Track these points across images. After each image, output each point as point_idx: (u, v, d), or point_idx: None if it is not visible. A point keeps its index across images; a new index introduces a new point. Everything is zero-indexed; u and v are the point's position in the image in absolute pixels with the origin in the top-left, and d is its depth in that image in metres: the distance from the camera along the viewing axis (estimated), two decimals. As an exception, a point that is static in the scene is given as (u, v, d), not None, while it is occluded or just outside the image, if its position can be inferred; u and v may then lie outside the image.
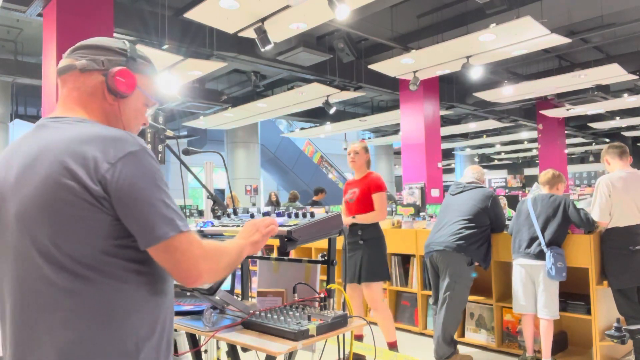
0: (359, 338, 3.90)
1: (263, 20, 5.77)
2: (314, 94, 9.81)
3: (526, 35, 6.60)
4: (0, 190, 1.14)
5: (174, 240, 1.08)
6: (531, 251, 3.66)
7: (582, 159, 25.78)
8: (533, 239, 3.69)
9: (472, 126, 15.41)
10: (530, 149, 22.57)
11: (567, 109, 12.30)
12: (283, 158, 19.20)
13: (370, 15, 7.24)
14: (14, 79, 9.10)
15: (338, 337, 1.81)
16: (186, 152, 2.14)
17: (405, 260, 4.93)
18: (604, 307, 3.73)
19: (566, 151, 15.49)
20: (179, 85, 8.06)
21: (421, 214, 6.04)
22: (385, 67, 8.11)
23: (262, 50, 5.98)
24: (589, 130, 17.40)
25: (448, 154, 22.99)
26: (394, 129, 16.43)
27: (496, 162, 27.69)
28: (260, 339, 1.62)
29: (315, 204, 9.25)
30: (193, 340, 2.10)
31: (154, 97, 1.31)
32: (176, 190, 3.69)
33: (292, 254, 4.54)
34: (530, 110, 14.40)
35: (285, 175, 19.79)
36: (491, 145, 21.66)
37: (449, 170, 25.41)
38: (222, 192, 13.75)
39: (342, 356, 1.88)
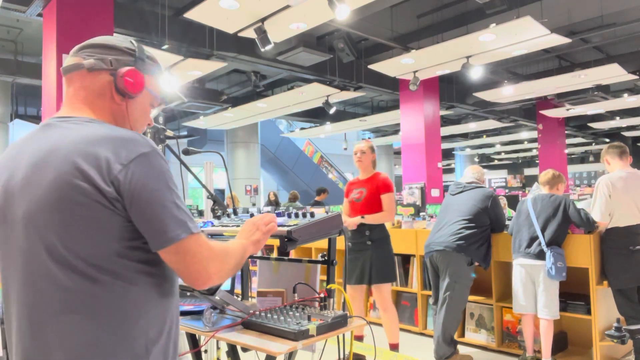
0: (360, 339, 3.90)
1: (263, 20, 5.77)
2: (314, 94, 9.81)
3: (526, 35, 6.60)
4: (6, 190, 1.12)
5: (185, 242, 1.07)
6: (531, 251, 3.66)
7: (582, 159, 25.78)
8: (533, 239, 3.69)
9: (472, 126, 15.41)
10: (530, 149, 22.58)
11: (567, 109, 12.30)
12: (283, 158, 19.21)
13: (370, 15, 7.24)
14: (14, 79, 9.09)
15: (338, 337, 1.81)
16: (186, 152, 2.14)
17: (405, 260, 4.93)
18: (604, 307, 3.73)
19: (566, 151, 15.49)
20: (179, 85, 8.06)
21: (421, 214, 6.05)
22: (385, 67, 8.11)
23: (262, 50, 5.98)
24: (589, 130, 17.40)
25: (448, 154, 22.99)
26: (394, 129, 16.43)
27: (496, 162, 27.69)
28: (260, 339, 1.62)
29: (317, 204, 9.25)
30: (193, 340, 2.10)
31: (161, 97, 1.31)
32: (176, 190, 3.67)
33: (292, 254, 4.53)
34: (530, 110, 14.40)
35: (285, 175, 19.79)
36: (491, 145, 21.66)
37: (449, 170, 25.41)
38: (222, 192, 13.75)
39: (342, 356, 1.88)
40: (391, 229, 5.03)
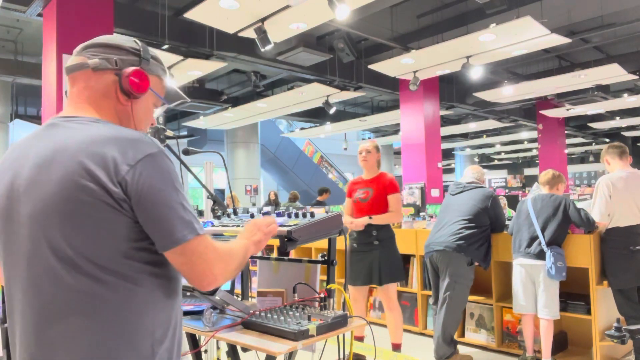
0: (360, 339, 3.90)
1: (263, 20, 5.77)
2: (314, 94, 9.81)
3: (526, 35, 6.60)
4: (11, 189, 1.11)
5: (191, 243, 1.07)
6: (531, 251, 3.66)
7: (582, 159, 25.78)
8: (533, 239, 3.69)
9: (472, 126, 15.41)
10: (530, 149, 22.58)
11: (567, 109, 12.31)
12: (283, 158, 19.20)
13: (370, 15, 7.24)
14: (14, 79, 9.09)
15: (338, 337, 1.81)
16: (186, 152, 2.14)
17: (405, 260, 4.92)
18: (604, 307, 3.73)
19: (566, 151, 15.49)
20: (179, 85, 8.06)
21: (421, 214, 6.04)
22: (385, 67, 8.11)
23: (262, 50, 5.98)
24: (589, 130, 17.41)
25: (448, 154, 22.99)
26: (394, 129, 16.44)
27: (496, 162, 27.69)
28: (260, 339, 1.62)
29: (319, 203, 9.25)
30: (193, 341, 2.10)
31: (165, 97, 1.31)
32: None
33: (292, 254, 4.53)
34: (530, 110, 14.41)
35: (285, 175, 19.79)
36: (491, 145, 21.66)
37: (449, 170, 25.40)
38: (222, 192, 13.75)
39: (342, 356, 1.89)
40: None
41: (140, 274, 1.07)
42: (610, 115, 14.53)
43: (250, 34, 6.01)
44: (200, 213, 8.90)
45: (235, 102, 11.64)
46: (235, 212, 2.08)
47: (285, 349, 1.52)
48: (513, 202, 6.55)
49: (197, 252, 1.08)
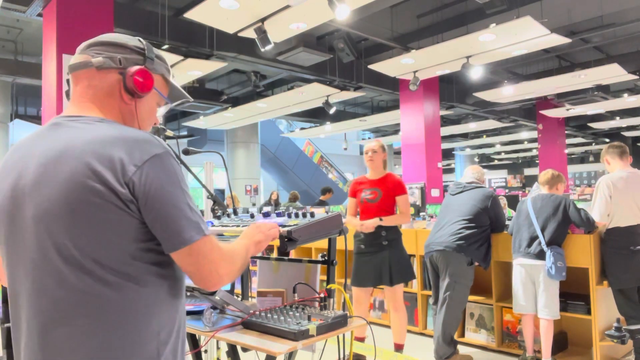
0: (361, 340, 3.89)
1: (263, 20, 5.77)
2: (314, 94, 9.81)
3: (526, 35, 6.60)
4: (15, 190, 1.09)
5: (198, 244, 1.07)
6: (531, 251, 3.66)
7: (582, 159, 25.78)
8: (533, 239, 3.69)
9: (472, 126, 15.41)
10: (530, 149, 22.58)
11: (567, 109, 12.31)
12: (283, 158, 19.21)
13: (370, 15, 7.24)
14: (14, 79, 9.09)
15: (338, 337, 1.81)
16: (186, 152, 2.14)
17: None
18: (604, 307, 3.72)
19: (566, 151, 15.49)
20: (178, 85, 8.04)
21: (421, 214, 6.05)
22: (385, 67, 8.11)
23: (262, 50, 5.98)
24: (589, 130, 17.40)
25: (448, 154, 22.99)
26: (394, 129, 16.43)
27: (496, 162, 27.69)
28: (260, 339, 1.61)
29: (322, 203, 9.25)
30: (193, 341, 2.10)
31: (168, 96, 1.30)
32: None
33: (292, 254, 4.53)
34: (530, 110, 14.41)
35: (285, 175, 19.79)
36: (491, 145, 21.66)
37: (449, 170, 25.40)
38: (222, 192, 13.74)
39: (342, 356, 1.89)
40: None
41: (147, 275, 1.07)
42: (610, 115, 14.53)
43: (250, 34, 6.01)
44: (201, 213, 8.90)
45: (235, 102, 11.64)
46: (235, 212, 2.08)
47: (285, 349, 1.52)
48: (513, 202, 6.56)
49: (204, 253, 1.08)
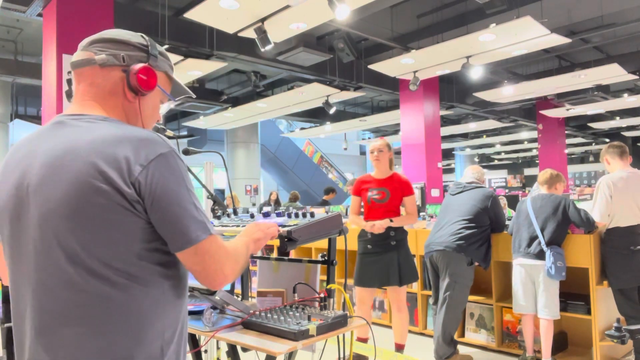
0: (364, 341, 3.89)
1: (263, 20, 5.77)
2: (314, 94, 9.81)
3: (526, 35, 6.60)
4: (20, 188, 1.08)
5: (204, 243, 1.07)
6: (531, 251, 3.66)
7: (582, 159, 25.78)
8: (533, 239, 3.69)
9: (472, 126, 15.41)
10: (530, 149, 22.57)
11: (567, 109, 12.31)
12: (283, 158, 19.21)
13: (370, 15, 7.24)
14: (14, 79, 9.09)
15: (338, 337, 1.81)
16: (186, 152, 2.14)
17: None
18: (604, 307, 3.72)
19: (566, 151, 15.49)
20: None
21: (421, 214, 6.04)
22: (385, 67, 8.11)
23: (262, 50, 5.98)
24: (589, 130, 17.41)
25: (448, 154, 22.98)
26: (394, 129, 16.43)
27: (496, 162, 27.69)
28: (260, 339, 1.62)
29: (325, 203, 9.26)
30: (193, 340, 2.10)
31: (171, 93, 1.29)
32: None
33: (292, 254, 4.53)
34: (530, 110, 14.41)
35: (285, 175, 19.80)
36: (491, 145, 21.66)
37: (449, 170, 25.40)
38: (222, 192, 13.76)
39: (342, 356, 1.88)
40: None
41: (152, 276, 1.07)
42: (610, 115, 14.53)
43: (250, 34, 6.01)
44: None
45: (235, 102, 11.64)
46: (235, 212, 2.08)
47: (285, 349, 1.52)
48: (513, 202, 6.56)
49: (210, 252, 1.08)
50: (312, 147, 21.21)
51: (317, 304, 1.90)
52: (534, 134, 16.31)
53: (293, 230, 1.66)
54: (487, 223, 3.90)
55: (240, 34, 6.19)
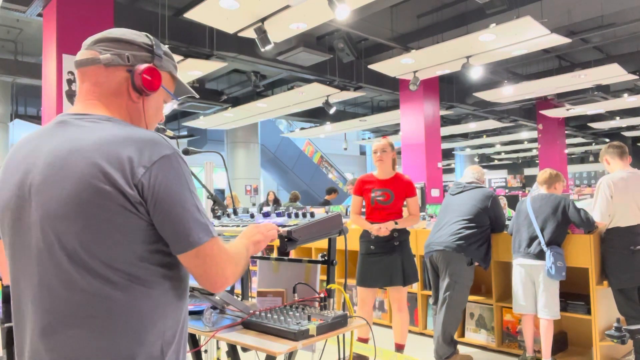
0: (365, 341, 3.89)
1: (263, 20, 5.77)
2: (314, 94, 9.81)
3: (526, 35, 6.60)
4: (22, 188, 1.07)
5: (206, 246, 1.07)
6: (531, 251, 3.66)
7: (582, 159, 25.77)
8: (532, 239, 3.69)
9: (472, 126, 15.41)
10: (530, 149, 22.57)
11: (567, 109, 12.31)
12: (283, 158, 19.21)
13: (370, 15, 7.24)
14: (14, 79, 9.09)
15: (338, 337, 1.81)
16: (186, 152, 2.14)
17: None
18: (604, 307, 3.72)
19: (566, 151, 15.49)
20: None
21: (421, 214, 6.04)
22: (385, 67, 8.11)
23: (262, 50, 5.98)
24: (589, 130, 17.40)
25: (448, 154, 22.98)
26: (394, 129, 16.43)
27: (496, 162, 27.69)
28: (260, 339, 1.62)
29: (327, 203, 9.27)
30: (193, 340, 2.10)
31: (175, 93, 1.29)
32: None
33: (292, 254, 4.53)
34: (530, 110, 14.41)
35: (285, 175, 19.80)
36: (491, 145, 21.65)
37: (449, 170, 25.40)
38: (222, 192, 13.76)
39: (342, 356, 1.88)
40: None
41: (154, 277, 1.07)
42: (610, 115, 14.52)
43: (250, 34, 6.01)
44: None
45: (235, 102, 11.64)
46: (235, 212, 2.08)
47: (285, 349, 1.52)
48: (513, 202, 6.55)
49: (212, 255, 1.08)
50: (312, 147, 21.21)
51: (317, 304, 1.90)
52: (534, 134, 16.31)
53: (293, 230, 1.65)
54: (487, 223, 3.90)
55: (240, 34, 6.19)
